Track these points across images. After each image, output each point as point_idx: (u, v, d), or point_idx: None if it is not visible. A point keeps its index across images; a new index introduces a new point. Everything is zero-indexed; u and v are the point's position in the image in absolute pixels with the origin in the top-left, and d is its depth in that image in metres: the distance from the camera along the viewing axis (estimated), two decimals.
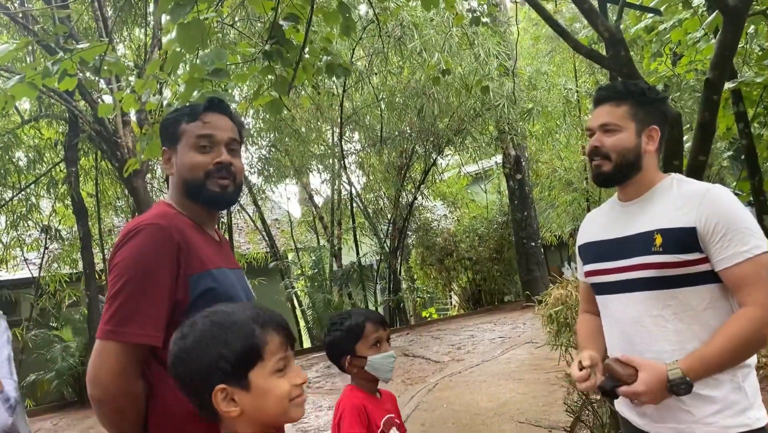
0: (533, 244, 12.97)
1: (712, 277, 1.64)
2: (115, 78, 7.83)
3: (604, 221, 1.90)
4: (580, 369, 1.72)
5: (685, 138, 4.54)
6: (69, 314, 10.57)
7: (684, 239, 1.63)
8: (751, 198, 4.45)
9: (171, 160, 1.63)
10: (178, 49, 3.66)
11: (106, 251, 11.97)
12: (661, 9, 5.77)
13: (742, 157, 5.95)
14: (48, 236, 11.18)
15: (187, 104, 1.74)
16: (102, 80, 8.57)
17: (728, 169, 12.77)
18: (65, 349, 9.37)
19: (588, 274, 1.91)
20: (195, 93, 3.56)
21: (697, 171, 3.31)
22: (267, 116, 11.08)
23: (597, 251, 1.87)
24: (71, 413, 9.05)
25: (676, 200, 1.70)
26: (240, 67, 5.42)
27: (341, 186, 13.74)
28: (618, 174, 1.78)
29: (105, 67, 4.01)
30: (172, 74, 4.37)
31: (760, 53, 5.53)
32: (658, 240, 1.66)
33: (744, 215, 1.62)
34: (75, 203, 9.53)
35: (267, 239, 13.54)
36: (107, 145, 8.72)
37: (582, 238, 1.97)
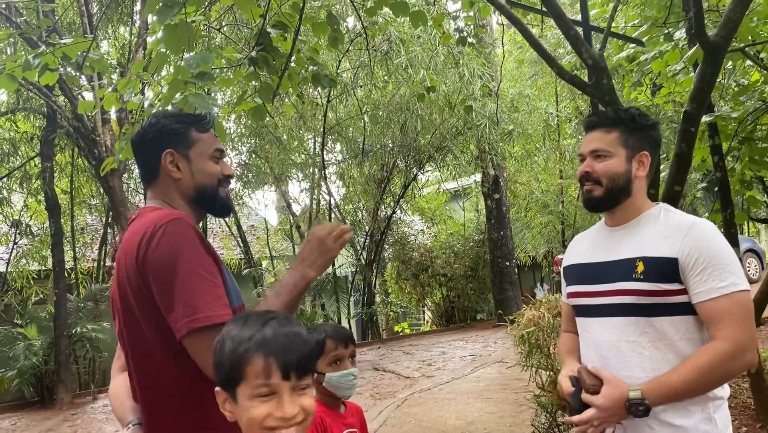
0: (508, 263, 13.05)
1: (689, 308, 1.67)
2: (97, 75, 7.76)
3: (590, 244, 1.92)
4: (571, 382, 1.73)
5: (660, 167, 4.63)
6: (34, 312, 10.33)
7: (665, 269, 1.66)
8: (723, 230, 4.54)
9: (178, 165, 1.64)
10: (164, 51, 3.64)
11: (77, 249, 11.78)
12: (644, 40, 5.90)
13: (716, 189, 6.07)
14: (18, 231, 10.97)
15: (193, 112, 1.76)
16: (83, 77, 8.48)
17: (701, 201, 13.01)
18: (29, 347, 9.14)
19: (570, 295, 1.93)
20: (177, 95, 3.53)
21: (673, 201, 3.37)
22: (249, 122, 11.03)
23: (580, 273, 1.89)
24: (31, 413, 8.83)
25: (662, 230, 1.73)
26: (225, 71, 5.41)
27: (320, 196, 13.71)
28: (608, 199, 1.80)
29: (88, 64, 3.97)
30: (155, 75, 4.34)
31: (736, 89, 5.67)
32: (640, 267, 1.69)
33: (726, 252, 1.65)
34: (48, 199, 9.36)
35: (242, 245, 13.43)
36: (85, 142, 8.61)
37: (567, 259, 1.99)
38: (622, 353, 1.73)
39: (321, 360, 2.04)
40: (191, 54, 3.24)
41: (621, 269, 1.74)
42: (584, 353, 1.87)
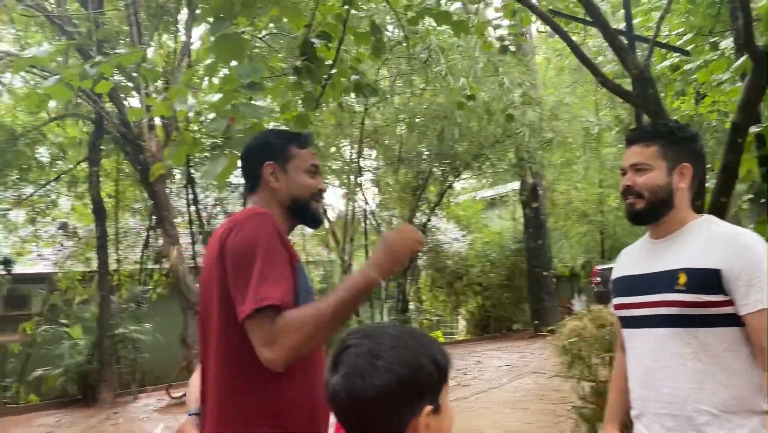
0: (545, 273, 12.93)
1: (734, 320, 1.66)
2: (145, 83, 7.99)
3: (635, 257, 1.94)
4: None
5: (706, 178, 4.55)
6: (79, 312, 10.65)
7: (707, 280, 1.66)
8: None
9: (277, 176, 1.78)
10: (213, 60, 3.75)
11: (120, 251, 12.09)
12: (689, 49, 5.82)
13: (762, 201, 5.92)
14: (65, 234, 11.32)
15: (294, 131, 1.99)
16: (131, 84, 8.74)
17: (746, 212, 12.68)
18: (74, 346, 9.43)
19: (616, 307, 1.95)
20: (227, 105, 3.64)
21: (719, 212, 3.32)
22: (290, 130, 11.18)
23: (625, 285, 1.91)
24: (75, 410, 9.09)
25: (705, 241, 1.73)
26: (270, 80, 5.52)
27: (356, 202, 13.80)
28: (651, 212, 1.81)
29: (141, 74, 4.12)
30: (202, 83, 4.46)
31: None
32: (682, 279, 1.69)
33: None
34: (94, 203, 9.66)
35: None
36: (131, 147, 8.85)
37: (614, 273, 2.02)
38: (665, 363, 1.73)
39: None
40: (242, 65, 3.33)
41: (663, 281, 1.75)
42: (630, 364, 1.88)
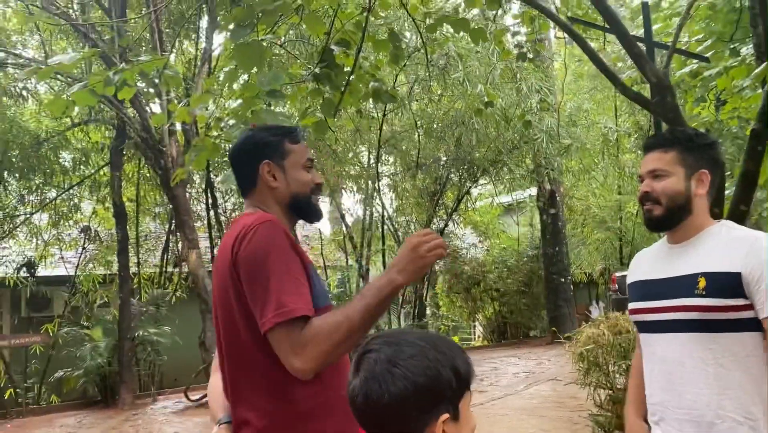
0: (563, 280, 12.86)
1: (756, 324, 1.66)
2: (167, 89, 8.10)
3: (652, 261, 1.94)
4: None
5: (726, 186, 4.52)
6: (100, 315, 10.80)
7: (728, 284, 1.66)
8: None
9: (275, 175, 1.76)
10: (234, 68, 3.81)
11: (140, 255, 12.25)
12: (708, 55, 5.78)
13: None
14: (87, 237, 11.49)
15: (281, 125, 1.88)
16: (153, 91, 8.86)
17: (767, 220, 12.50)
18: (94, 348, 9.56)
19: (632, 312, 1.96)
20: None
21: (738, 220, 3.31)
22: (307, 134, 11.26)
23: (642, 290, 1.92)
24: (95, 411, 9.21)
25: (724, 245, 1.73)
26: (290, 87, 5.58)
27: (374, 208, 13.84)
28: (669, 218, 1.82)
29: (163, 80, 4.19)
30: (223, 90, 4.53)
31: None
32: (702, 283, 1.70)
33: None
34: (116, 207, 9.80)
35: None
36: (152, 152, 8.98)
37: (630, 277, 2.02)
38: (685, 369, 1.73)
39: None
40: (264, 72, 3.39)
41: (683, 285, 1.75)
42: (648, 369, 1.88)
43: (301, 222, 1.91)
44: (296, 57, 7.60)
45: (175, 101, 5.58)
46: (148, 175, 11.25)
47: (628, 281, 2.02)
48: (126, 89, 4.19)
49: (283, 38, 9.02)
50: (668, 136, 1.90)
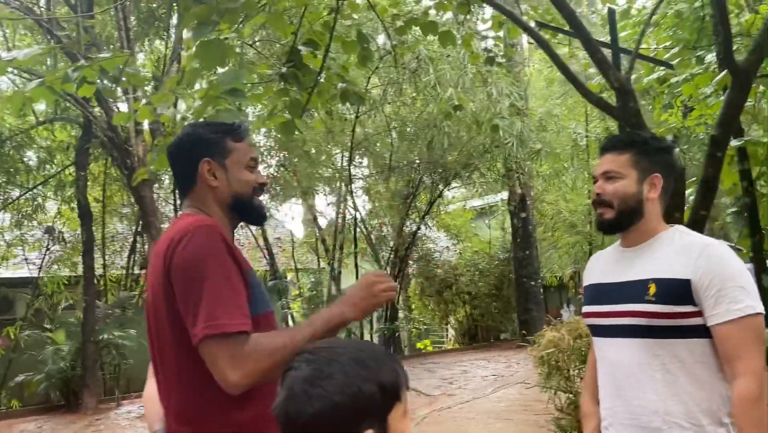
0: (533, 283, 12.95)
1: (704, 331, 1.66)
2: (132, 87, 7.95)
3: (605, 264, 1.94)
4: None
5: (689, 191, 4.58)
6: (64, 317, 10.56)
7: (677, 291, 1.66)
8: (750, 256, 4.46)
9: (215, 173, 1.69)
10: (197, 66, 3.74)
11: (107, 256, 12.02)
12: (675, 62, 5.85)
13: (745, 215, 5.95)
14: (51, 238, 11.23)
15: (229, 122, 1.81)
16: (119, 89, 8.71)
17: (732, 225, 12.75)
18: (57, 352, 9.34)
19: (585, 315, 1.95)
20: (209, 109, 3.62)
21: (698, 225, 3.34)
22: (278, 135, 11.17)
23: (594, 293, 1.91)
24: (57, 416, 8.99)
25: (676, 251, 1.73)
26: (256, 87, 5.52)
27: (346, 210, 13.79)
28: (620, 221, 1.82)
29: (124, 78, 4.10)
30: (188, 89, 4.44)
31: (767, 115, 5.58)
32: (652, 289, 1.69)
33: (741, 274, 1.65)
34: (81, 207, 9.60)
35: (267, 257, 13.55)
36: (118, 152, 8.83)
37: (585, 279, 2.02)
38: (634, 375, 1.73)
39: None
40: (224, 70, 3.33)
41: (633, 291, 1.75)
42: (599, 373, 1.88)
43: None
44: (265, 57, 7.52)
45: (143, 101, 5.48)
46: (115, 175, 11.04)
47: (584, 283, 2.02)
48: (86, 87, 4.08)
49: (254, 38, 8.94)
50: (624, 138, 1.90)
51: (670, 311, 1.66)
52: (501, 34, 5.71)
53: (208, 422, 1.52)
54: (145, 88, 8.58)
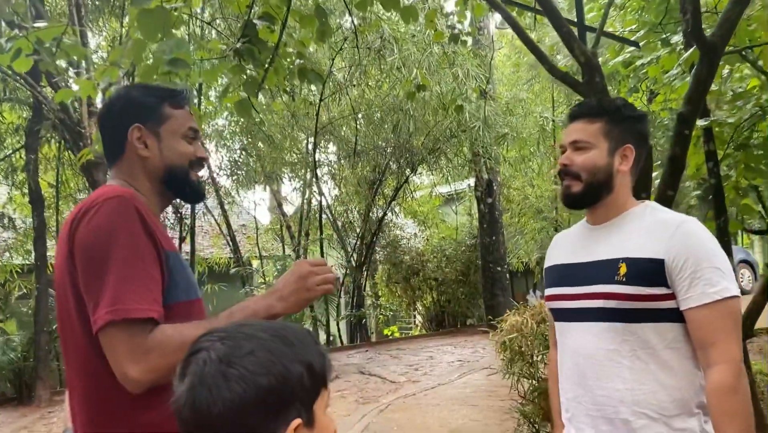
0: (499, 269, 12.92)
1: (676, 315, 1.53)
2: (85, 66, 7.59)
3: (571, 243, 1.79)
4: None
5: (654, 174, 4.50)
6: (16, 307, 10.14)
7: (650, 271, 1.53)
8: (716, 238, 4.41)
9: (146, 142, 1.50)
10: (141, 37, 3.50)
11: None
12: (641, 44, 5.78)
13: (710, 197, 5.93)
14: (1, 224, 10.78)
15: (164, 85, 1.59)
16: (71, 67, 8.33)
17: (695, 208, 12.88)
18: (7, 342, 8.96)
19: (548, 298, 1.80)
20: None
21: (665, 205, 3.24)
22: (240, 119, 10.88)
23: (559, 274, 1.76)
24: (8, 409, 8.64)
25: (648, 229, 1.59)
26: (209, 63, 5.27)
27: (312, 196, 13.57)
28: (588, 195, 1.67)
29: (61, 49, 3.83)
30: (134, 62, 4.20)
31: (731, 96, 5.56)
32: (623, 269, 1.56)
33: (717, 254, 1.53)
34: (32, 192, 9.18)
35: (231, 244, 13.27)
36: (70, 134, 8.45)
37: (548, 260, 1.87)
38: (599, 362, 1.60)
39: None
40: (165, 40, 3.09)
41: (602, 271, 1.61)
42: (561, 361, 1.74)
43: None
44: (224, 36, 7.24)
45: (87, 77, 5.18)
46: (69, 159, 10.61)
47: (546, 264, 1.87)
48: (23, 60, 3.81)
49: (206, 13, 8.62)
50: (595, 105, 1.74)
51: (642, 293, 1.53)
52: (467, 14, 5.56)
53: (114, 422, 1.33)
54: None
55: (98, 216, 1.31)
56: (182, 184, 1.55)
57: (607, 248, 1.63)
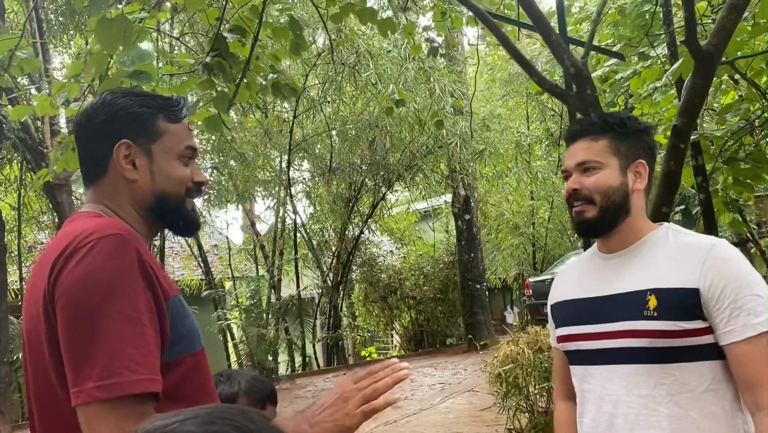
0: (478, 286, 12.74)
1: (715, 351, 1.34)
2: (47, 82, 7.28)
3: (583, 275, 1.58)
4: None
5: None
6: None
7: (684, 303, 1.33)
8: None
9: (135, 161, 1.22)
10: (102, 50, 3.25)
11: (24, 268, 11.11)
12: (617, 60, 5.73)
13: (694, 212, 5.81)
14: None
15: (157, 94, 1.30)
16: (33, 84, 7.99)
17: (679, 224, 12.91)
18: None
19: (561, 339, 1.57)
20: None
21: None
22: (212, 137, 10.60)
23: (574, 311, 1.54)
24: None
25: (674, 255, 1.40)
26: (178, 78, 5.04)
27: (286, 215, 13.29)
28: (604, 220, 1.47)
29: (15, 64, 3.56)
30: (94, 75, 3.94)
31: (715, 110, 5.49)
32: (652, 302, 1.36)
33: (755, 279, 1.34)
34: None
35: (202, 265, 12.89)
36: (32, 154, 8.10)
37: (555, 295, 1.64)
38: (632, 410, 1.38)
39: None
40: (126, 51, 2.85)
41: (628, 305, 1.41)
42: (582, 411, 1.51)
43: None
44: (194, 51, 7.00)
45: (46, 93, 4.89)
46: (32, 179, 10.21)
47: (553, 300, 1.64)
48: None
49: (183, 30, 8.36)
50: (598, 121, 1.53)
51: (677, 329, 1.33)
52: (447, 25, 5.43)
53: None
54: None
55: (89, 260, 1.05)
56: (175, 214, 1.28)
57: (629, 280, 1.43)
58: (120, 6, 3.02)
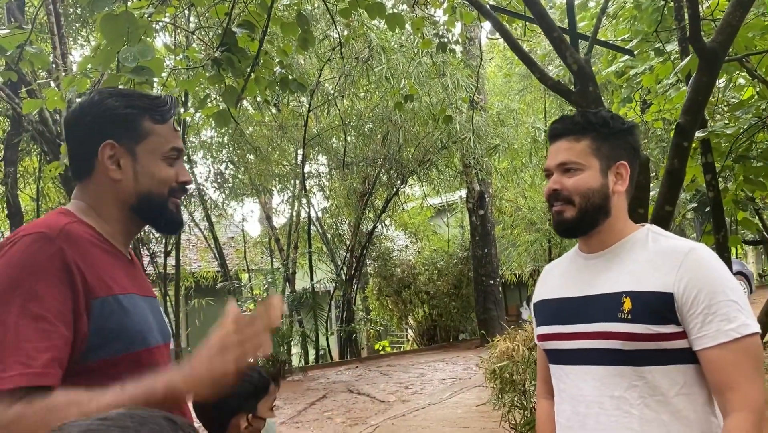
0: (492, 282, 12.70)
1: (688, 356, 1.34)
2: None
3: (564, 276, 1.58)
4: None
5: (650, 186, 4.31)
6: None
7: (658, 307, 1.33)
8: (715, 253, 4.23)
9: (119, 161, 1.27)
10: (108, 46, 3.30)
11: None
12: (634, 53, 5.64)
13: (706, 210, 5.73)
14: None
15: (144, 94, 1.35)
16: (51, 78, 8.11)
17: (690, 222, 12.75)
18: None
19: (540, 338, 1.59)
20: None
21: (663, 222, 3.06)
22: (229, 130, 10.68)
23: (552, 311, 1.55)
24: None
25: (652, 258, 1.40)
26: (187, 73, 5.09)
27: (301, 208, 13.35)
28: (583, 221, 1.47)
29: (26, 58, 3.62)
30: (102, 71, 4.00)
31: (726, 107, 5.41)
32: (627, 305, 1.36)
33: (732, 285, 1.33)
34: (10, 206, 8.94)
35: (218, 258, 13.01)
36: (49, 147, 8.20)
37: (537, 294, 1.65)
38: (604, 410, 1.39)
39: (263, 403, 1.79)
40: (128, 47, 2.89)
41: (603, 307, 1.41)
42: (558, 410, 1.52)
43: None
44: (206, 44, 7.05)
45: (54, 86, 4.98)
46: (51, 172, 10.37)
47: (535, 298, 1.65)
48: None
49: (195, 25, 8.43)
50: (580, 120, 1.52)
51: (650, 332, 1.33)
52: (457, 22, 5.41)
53: None
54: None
55: (9, 255, 1.11)
56: (157, 213, 1.33)
57: (607, 281, 1.44)
58: (127, 1, 3.05)
